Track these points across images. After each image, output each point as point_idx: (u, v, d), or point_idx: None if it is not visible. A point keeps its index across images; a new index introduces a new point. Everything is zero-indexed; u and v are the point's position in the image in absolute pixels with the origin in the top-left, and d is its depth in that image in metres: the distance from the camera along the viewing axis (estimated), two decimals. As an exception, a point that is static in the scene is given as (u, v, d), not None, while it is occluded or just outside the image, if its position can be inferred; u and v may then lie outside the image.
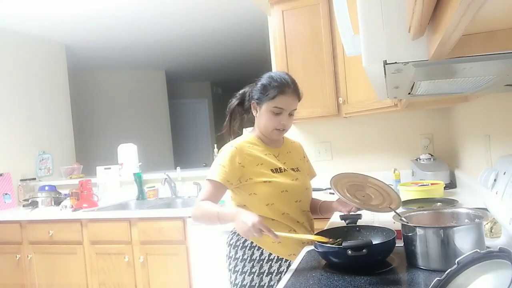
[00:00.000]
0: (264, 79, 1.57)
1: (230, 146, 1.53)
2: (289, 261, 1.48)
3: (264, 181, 1.50)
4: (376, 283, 1.05)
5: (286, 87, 1.53)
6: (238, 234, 1.53)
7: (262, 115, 1.56)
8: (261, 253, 1.49)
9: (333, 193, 1.49)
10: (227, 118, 1.65)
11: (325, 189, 2.74)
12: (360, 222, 1.47)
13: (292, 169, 1.60)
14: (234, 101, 1.66)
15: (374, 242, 1.15)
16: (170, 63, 5.96)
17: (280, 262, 1.49)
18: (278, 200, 1.51)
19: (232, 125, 1.65)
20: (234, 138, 1.62)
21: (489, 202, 1.25)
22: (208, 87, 7.69)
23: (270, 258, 1.49)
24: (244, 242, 1.52)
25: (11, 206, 3.57)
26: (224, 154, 1.52)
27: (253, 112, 1.60)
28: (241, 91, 1.68)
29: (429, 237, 1.09)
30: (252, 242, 1.50)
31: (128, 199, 3.42)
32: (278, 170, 1.55)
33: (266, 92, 1.53)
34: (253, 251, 1.50)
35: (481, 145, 1.85)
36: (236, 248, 1.53)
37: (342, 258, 1.15)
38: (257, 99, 1.56)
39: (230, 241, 1.58)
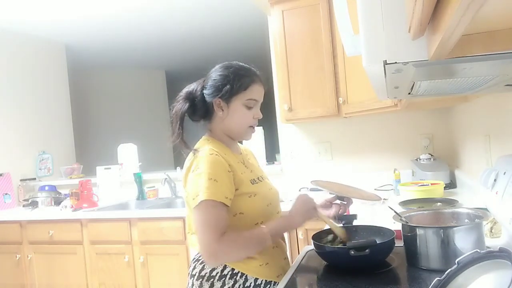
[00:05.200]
0: (222, 70, 1.32)
1: (210, 154, 1.22)
2: (277, 283, 1.26)
3: (249, 196, 1.26)
4: (376, 283, 1.05)
5: (255, 75, 1.32)
6: None
7: (234, 112, 1.29)
8: (245, 280, 1.24)
9: (332, 193, 1.48)
10: (177, 125, 1.30)
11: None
12: (356, 222, 1.47)
13: (261, 177, 1.38)
14: (183, 104, 1.31)
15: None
16: (170, 63, 5.96)
17: (268, 286, 1.27)
18: (264, 217, 1.29)
19: (184, 134, 1.31)
20: (190, 150, 1.30)
21: (489, 202, 1.25)
22: (208, 87, 7.68)
23: (256, 284, 1.25)
24: (222, 271, 1.24)
25: (11, 206, 3.57)
26: (208, 165, 1.20)
27: (217, 112, 1.30)
28: (185, 90, 1.34)
29: (429, 237, 1.09)
30: (233, 269, 1.24)
31: (128, 199, 3.42)
32: (255, 181, 1.32)
33: (234, 84, 1.27)
34: (235, 279, 1.24)
35: (481, 145, 1.85)
36: (212, 280, 1.24)
37: (343, 258, 1.15)
38: (222, 95, 1.28)
39: (200, 273, 1.27)
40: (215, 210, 1.17)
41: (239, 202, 1.24)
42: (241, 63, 1.35)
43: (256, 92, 1.31)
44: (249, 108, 1.31)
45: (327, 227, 1.38)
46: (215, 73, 1.33)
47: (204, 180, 1.18)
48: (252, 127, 1.34)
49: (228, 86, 1.27)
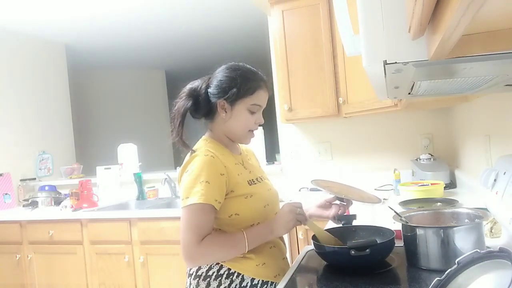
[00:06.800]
0: (229, 72, 1.30)
1: (205, 155, 1.22)
2: (275, 283, 1.27)
3: (245, 197, 1.25)
4: (376, 283, 1.05)
5: (261, 81, 1.32)
6: None
7: (237, 115, 1.29)
8: (242, 280, 1.24)
9: (332, 194, 1.48)
10: (178, 122, 1.28)
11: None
12: (356, 222, 1.46)
13: (260, 177, 1.37)
14: (186, 101, 1.30)
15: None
16: (170, 63, 5.96)
17: (265, 286, 1.27)
18: (261, 218, 1.29)
19: (184, 131, 1.29)
20: (188, 149, 1.29)
21: (489, 202, 1.25)
22: (208, 87, 7.69)
23: (253, 284, 1.25)
24: (218, 270, 1.24)
25: (11, 206, 3.57)
26: (202, 166, 1.20)
27: (220, 113, 1.30)
28: (189, 87, 1.33)
29: (429, 237, 1.09)
30: (229, 269, 1.24)
31: (128, 199, 3.42)
32: (253, 182, 1.31)
33: (241, 88, 1.26)
34: (232, 279, 1.24)
35: (481, 145, 1.85)
36: (208, 279, 1.24)
37: (343, 258, 1.15)
38: (227, 97, 1.27)
39: (197, 272, 1.26)
40: (202, 213, 1.18)
41: (234, 203, 1.24)
42: (248, 66, 1.34)
43: (261, 97, 1.31)
44: (252, 113, 1.30)
45: (327, 227, 1.38)
46: (221, 73, 1.31)
47: (196, 182, 1.19)
48: (252, 131, 1.34)
49: (234, 90, 1.26)
